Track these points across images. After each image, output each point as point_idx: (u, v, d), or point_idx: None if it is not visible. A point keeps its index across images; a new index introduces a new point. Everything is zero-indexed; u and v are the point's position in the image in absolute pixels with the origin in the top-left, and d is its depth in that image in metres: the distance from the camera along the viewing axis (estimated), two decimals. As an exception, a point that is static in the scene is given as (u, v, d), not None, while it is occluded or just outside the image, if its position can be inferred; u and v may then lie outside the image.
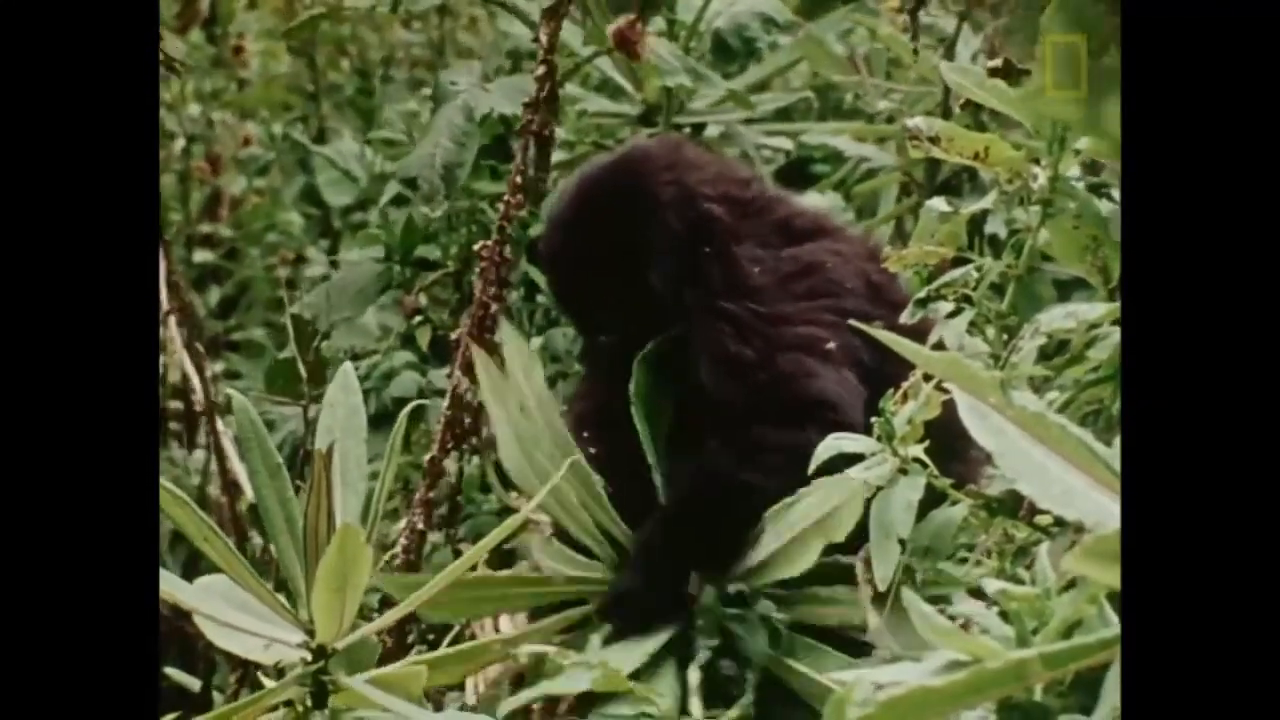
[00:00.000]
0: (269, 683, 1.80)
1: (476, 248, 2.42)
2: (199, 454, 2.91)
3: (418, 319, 2.84)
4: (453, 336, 2.45)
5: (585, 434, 2.12)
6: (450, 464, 2.53)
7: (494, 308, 2.37)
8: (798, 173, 3.26)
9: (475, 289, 2.38)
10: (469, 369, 2.30)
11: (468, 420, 2.38)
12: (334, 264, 3.86)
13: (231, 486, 2.42)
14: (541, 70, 2.46)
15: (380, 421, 2.46)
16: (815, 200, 2.82)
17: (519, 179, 2.41)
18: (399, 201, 2.96)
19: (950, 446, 1.78)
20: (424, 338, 2.82)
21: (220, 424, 2.51)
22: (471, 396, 2.34)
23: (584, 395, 2.21)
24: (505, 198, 2.39)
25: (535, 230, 2.72)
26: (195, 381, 2.45)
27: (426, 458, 2.33)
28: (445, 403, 2.34)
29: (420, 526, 2.31)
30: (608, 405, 2.12)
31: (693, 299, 2.05)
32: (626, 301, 2.09)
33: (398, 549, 2.30)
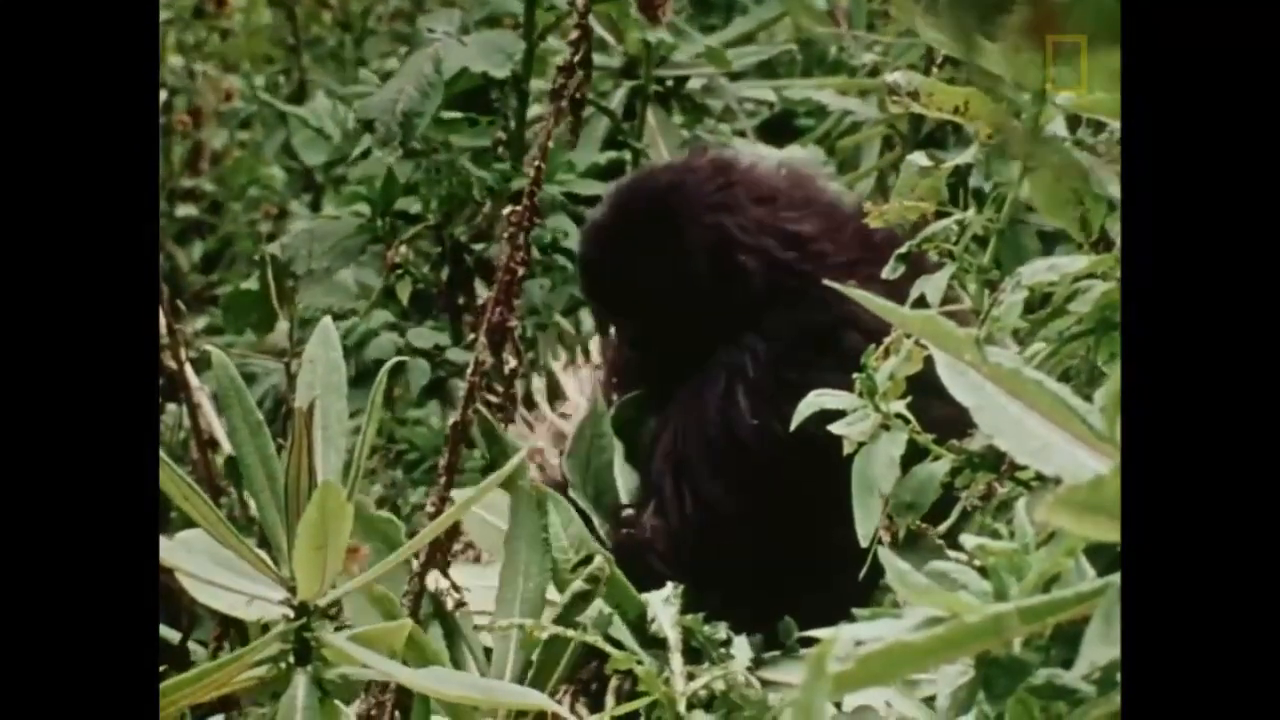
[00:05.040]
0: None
1: (505, 213, 2.39)
2: (171, 408, 2.90)
3: (398, 272, 2.82)
4: (478, 302, 2.44)
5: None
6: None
7: (520, 273, 2.37)
8: (782, 126, 3.25)
9: (503, 255, 2.36)
10: (493, 333, 2.32)
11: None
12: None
13: (207, 444, 2.41)
14: (576, 34, 2.42)
15: (359, 382, 2.45)
16: (799, 154, 2.81)
17: (549, 144, 2.38)
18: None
19: None
20: (404, 292, 2.80)
21: (196, 380, 2.49)
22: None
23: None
24: (535, 163, 2.36)
25: (517, 183, 2.71)
26: (166, 338, 2.44)
27: (449, 423, 2.33)
28: (469, 369, 2.34)
29: (446, 494, 2.31)
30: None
31: (721, 355, 2.07)
32: (652, 314, 2.14)
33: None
